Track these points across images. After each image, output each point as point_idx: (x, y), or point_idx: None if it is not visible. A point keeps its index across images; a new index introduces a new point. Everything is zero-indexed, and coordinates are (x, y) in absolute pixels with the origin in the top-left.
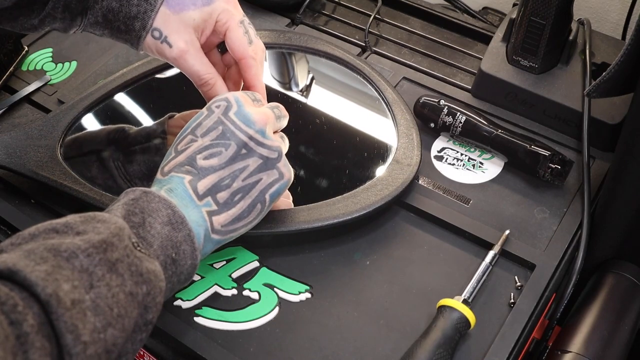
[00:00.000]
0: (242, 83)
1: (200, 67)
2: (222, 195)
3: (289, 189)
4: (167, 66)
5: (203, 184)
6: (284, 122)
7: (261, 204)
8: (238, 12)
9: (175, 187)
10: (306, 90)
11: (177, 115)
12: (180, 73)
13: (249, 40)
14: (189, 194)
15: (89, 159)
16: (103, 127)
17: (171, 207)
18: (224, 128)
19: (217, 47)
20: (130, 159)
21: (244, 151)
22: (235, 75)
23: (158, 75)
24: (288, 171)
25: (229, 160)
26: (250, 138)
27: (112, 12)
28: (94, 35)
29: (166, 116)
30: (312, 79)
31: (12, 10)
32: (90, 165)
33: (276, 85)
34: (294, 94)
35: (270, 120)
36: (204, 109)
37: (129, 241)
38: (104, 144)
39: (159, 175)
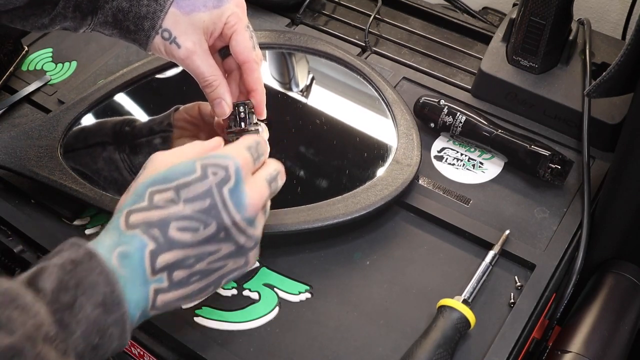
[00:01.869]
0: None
1: (206, 69)
2: (179, 274)
3: (289, 190)
4: (167, 67)
5: (164, 258)
6: (278, 189)
7: (214, 287)
8: (245, 16)
9: (132, 254)
10: (306, 90)
11: (182, 108)
12: (180, 74)
13: (253, 45)
14: (143, 268)
15: (95, 151)
16: (108, 119)
17: (111, 285)
18: (211, 203)
19: (218, 52)
20: (135, 150)
21: (222, 235)
22: (234, 81)
23: (158, 76)
24: (254, 259)
25: (202, 240)
26: (234, 224)
27: (122, 12)
28: (97, 35)
29: (172, 109)
30: (312, 79)
31: (24, 9)
32: (96, 157)
33: (276, 86)
34: (294, 94)
35: (264, 202)
36: (198, 167)
37: (42, 346)
38: (110, 135)
39: (122, 224)
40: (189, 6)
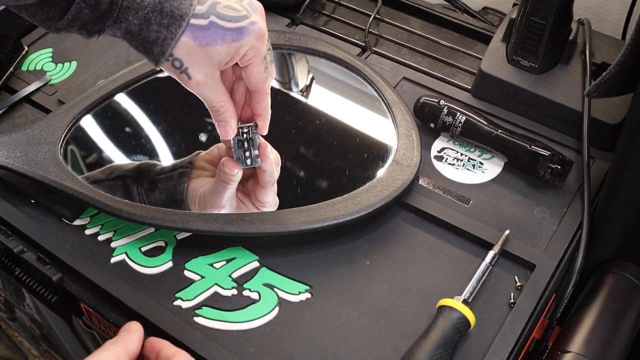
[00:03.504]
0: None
1: (215, 97)
2: None
3: (289, 190)
4: None
5: None
6: None
7: None
8: (264, 46)
9: None
10: (306, 91)
11: (203, 152)
12: None
13: (267, 76)
14: None
15: (115, 184)
16: (135, 160)
17: None
18: None
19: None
20: (153, 186)
21: None
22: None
23: (159, 75)
24: None
25: None
26: None
27: (130, 34)
28: None
29: (195, 153)
30: (312, 79)
31: (30, 21)
32: (116, 189)
33: (277, 86)
34: (294, 95)
35: None
36: None
37: None
38: (133, 171)
39: None
40: (205, 38)
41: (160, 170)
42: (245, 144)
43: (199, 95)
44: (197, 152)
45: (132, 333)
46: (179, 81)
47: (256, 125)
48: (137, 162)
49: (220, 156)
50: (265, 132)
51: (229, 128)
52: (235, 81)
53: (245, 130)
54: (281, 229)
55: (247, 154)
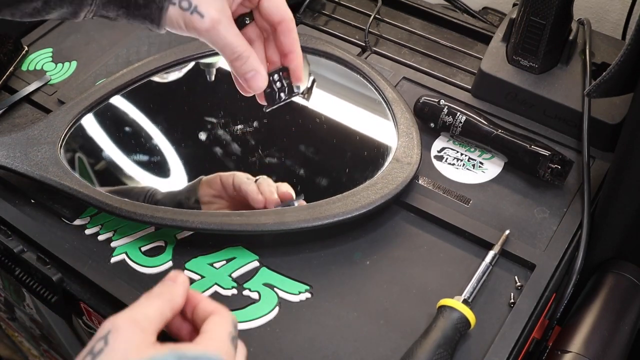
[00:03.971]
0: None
1: (234, 39)
2: None
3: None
4: (167, 67)
5: None
6: None
7: None
8: None
9: None
10: (306, 89)
11: (204, 180)
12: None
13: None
14: None
15: None
16: (136, 186)
17: None
18: None
19: (235, 21)
20: None
21: None
22: (259, 51)
23: (158, 80)
24: None
25: None
26: None
27: None
28: (97, 35)
29: (196, 180)
30: (314, 81)
31: None
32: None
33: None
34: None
35: None
36: None
37: None
38: (137, 196)
39: None
40: None
41: (168, 204)
42: (282, 94)
43: (214, 42)
44: (198, 179)
45: (178, 285)
46: (190, 31)
47: (286, 70)
48: (138, 188)
49: (224, 187)
50: (301, 80)
51: (259, 77)
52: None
53: (276, 77)
54: (281, 227)
55: (279, 98)
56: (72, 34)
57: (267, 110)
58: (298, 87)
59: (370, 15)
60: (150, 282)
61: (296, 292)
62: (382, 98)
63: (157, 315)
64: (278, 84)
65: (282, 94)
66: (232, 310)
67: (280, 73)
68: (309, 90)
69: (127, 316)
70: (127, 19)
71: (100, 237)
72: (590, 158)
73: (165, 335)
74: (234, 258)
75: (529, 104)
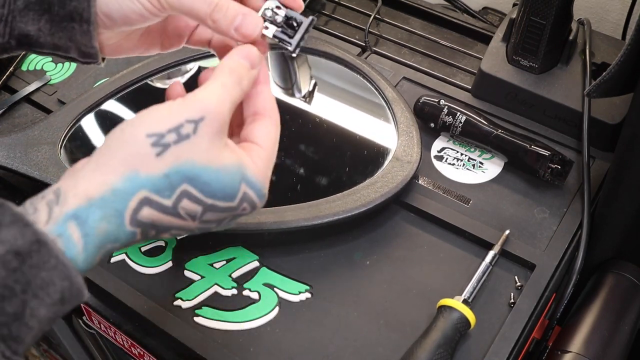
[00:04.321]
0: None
1: None
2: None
3: (289, 187)
4: (168, 69)
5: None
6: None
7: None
8: None
9: (114, 246)
10: (306, 89)
11: None
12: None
13: None
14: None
15: None
16: None
17: (70, 277)
18: (223, 222)
19: None
20: None
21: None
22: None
23: (160, 86)
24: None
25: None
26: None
27: None
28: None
29: None
30: (312, 78)
31: None
32: None
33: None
34: (295, 94)
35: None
36: (239, 197)
37: None
38: None
39: (127, 215)
40: None
41: None
42: (287, 30)
43: (182, 3)
44: None
45: (254, 70)
46: (143, 11)
47: (277, 4)
48: None
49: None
50: (301, 6)
51: (249, 17)
52: None
53: (270, 14)
54: (281, 225)
55: (290, 34)
56: None
57: (295, 51)
58: (301, 16)
59: (370, 15)
60: (150, 282)
61: (296, 292)
62: (382, 98)
63: (232, 109)
64: (279, 19)
65: (293, 24)
66: (232, 310)
67: (273, 8)
68: (310, 93)
69: (220, 110)
70: (51, 27)
71: None
72: (590, 158)
73: None
74: (234, 258)
75: (529, 104)
